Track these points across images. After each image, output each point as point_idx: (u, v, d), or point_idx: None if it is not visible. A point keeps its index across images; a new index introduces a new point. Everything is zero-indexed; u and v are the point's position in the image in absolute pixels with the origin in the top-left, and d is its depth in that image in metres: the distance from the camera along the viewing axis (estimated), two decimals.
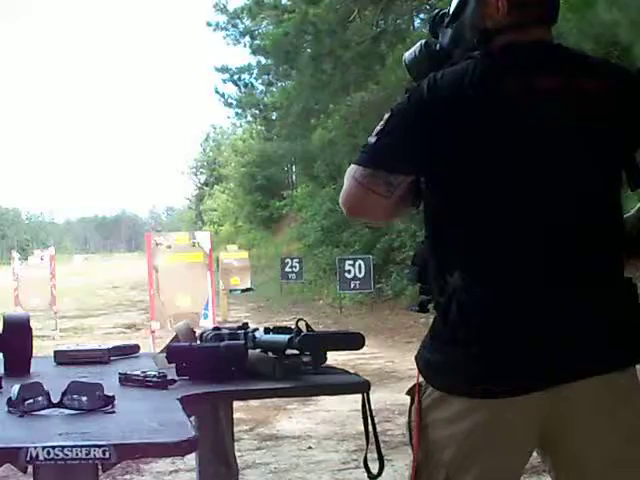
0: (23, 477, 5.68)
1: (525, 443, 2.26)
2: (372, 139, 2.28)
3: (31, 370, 2.82)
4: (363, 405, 2.54)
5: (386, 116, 2.31)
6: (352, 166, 2.30)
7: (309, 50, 23.21)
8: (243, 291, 22.42)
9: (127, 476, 5.97)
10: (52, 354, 3.10)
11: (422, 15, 22.56)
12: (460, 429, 2.19)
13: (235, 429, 3.40)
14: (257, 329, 2.76)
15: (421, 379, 2.30)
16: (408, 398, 2.33)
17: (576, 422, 2.21)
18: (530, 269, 2.18)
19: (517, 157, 2.19)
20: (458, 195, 2.24)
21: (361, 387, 2.54)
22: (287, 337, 2.55)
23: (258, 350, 2.66)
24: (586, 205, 2.23)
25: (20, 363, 2.81)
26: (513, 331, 2.16)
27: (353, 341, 2.57)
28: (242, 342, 2.67)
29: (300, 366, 2.61)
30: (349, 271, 18.48)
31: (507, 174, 2.20)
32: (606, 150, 2.26)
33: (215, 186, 59.63)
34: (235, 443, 3.39)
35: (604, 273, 2.24)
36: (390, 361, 11.24)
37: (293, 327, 2.61)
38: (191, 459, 5.35)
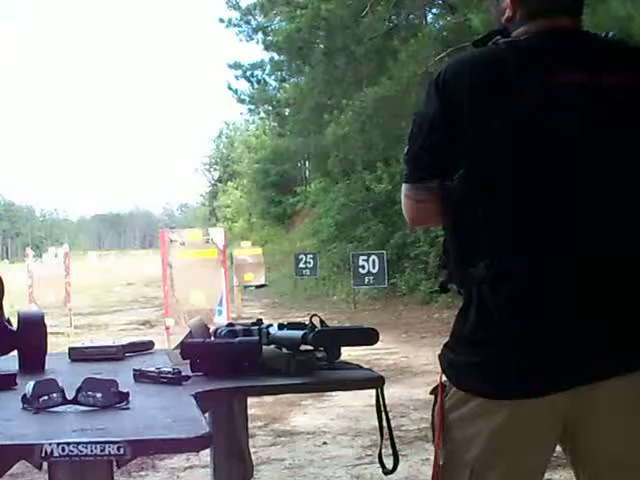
0: (38, 474, 5.71)
1: (547, 441, 2.25)
2: (405, 149, 2.35)
3: (46, 367, 2.83)
4: (377, 400, 2.54)
5: (412, 121, 2.35)
6: (403, 184, 2.39)
7: (322, 46, 23.17)
8: (257, 287, 22.48)
9: (142, 472, 5.98)
10: (66, 351, 3.10)
11: (434, 10, 22.53)
12: (483, 428, 2.19)
13: (250, 425, 3.40)
14: (271, 325, 2.76)
15: (444, 378, 2.30)
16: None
17: (596, 422, 2.20)
18: (549, 270, 2.16)
19: (533, 157, 2.18)
20: (480, 188, 2.21)
21: (375, 382, 2.53)
22: (301, 333, 2.54)
23: (272, 346, 2.66)
24: (606, 204, 2.20)
25: (35, 360, 2.82)
26: (534, 332, 2.14)
27: (367, 336, 2.57)
28: (256, 338, 2.67)
29: (314, 362, 2.60)
30: (363, 266, 18.47)
31: (520, 171, 2.19)
32: (631, 145, 2.23)
33: (228, 182, 59.82)
34: (250, 439, 3.39)
35: (626, 273, 2.21)
36: (405, 356, 11.22)
37: (307, 323, 2.61)
38: (206, 455, 5.35)
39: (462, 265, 2.26)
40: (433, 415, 2.32)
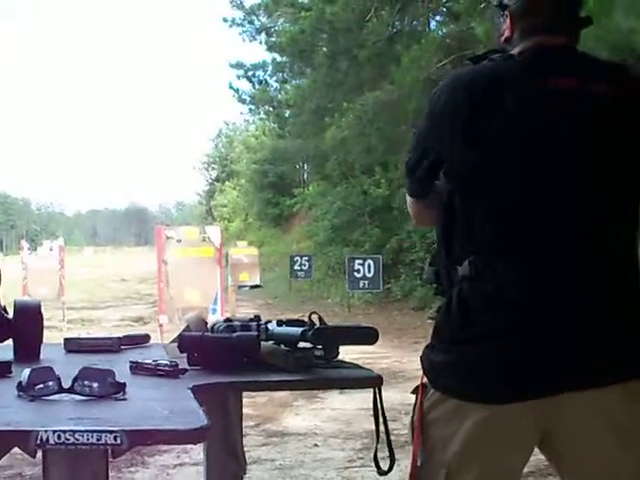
0: (27, 467, 5.66)
1: (525, 443, 2.26)
2: (407, 159, 2.44)
3: (41, 357, 2.80)
4: (374, 400, 2.52)
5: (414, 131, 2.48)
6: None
7: (324, 48, 23.21)
8: (252, 287, 22.42)
9: (132, 468, 5.97)
10: (62, 342, 3.08)
11: (438, 17, 22.55)
12: (459, 429, 2.19)
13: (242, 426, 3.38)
14: (270, 321, 2.74)
15: (425, 379, 2.31)
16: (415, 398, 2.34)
17: (574, 429, 2.20)
18: (536, 266, 2.17)
19: (524, 155, 2.21)
20: (467, 189, 2.25)
21: (373, 382, 2.52)
22: (300, 330, 2.52)
23: (270, 342, 2.64)
24: (593, 206, 2.22)
25: (30, 349, 2.80)
26: (512, 335, 2.14)
27: (367, 336, 2.55)
28: (255, 333, 2.65)
29: (312, 359, 2.59)
30: (358, 270, 18.45)
31: (513, 170, 2.21)
32: (616, 151, 2.26)
33: (226, 182, 59.79)
34: None
35: (610, 277, 2.21)
36: (397, 361, 11.23)
37: (306, 320, 2.59)
38: (197, 453, 5.33)
39: (450, 263, 2.28)
40: (413, 415, 2.33)
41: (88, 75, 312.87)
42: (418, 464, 2.29)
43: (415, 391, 2.34)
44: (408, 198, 2.49)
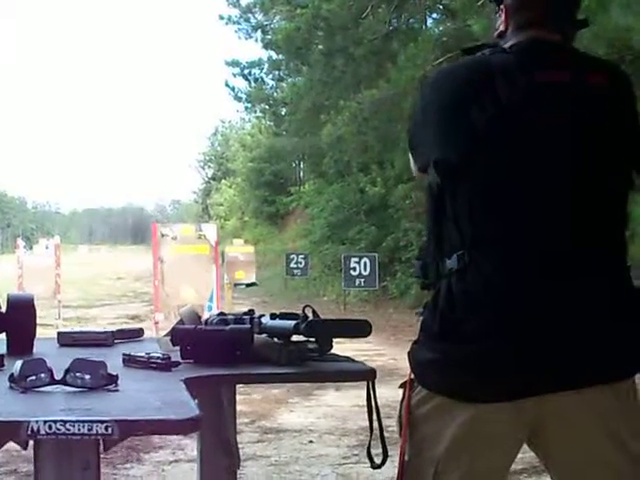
0: (22, 463, 5.64)
1: (512, 442, 2.24)
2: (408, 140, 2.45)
3: (34, 350, 2.79)
4: (368, 393, 2.51)
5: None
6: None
7: (321, 46, 23.19)
8: (247, 285, 22.44)
9: (127, 465, 5.95)
10: (55, 336, 3.07)
11: (435, 15, 22.55)
12: (447, 426, 2.18)
13: (236, 421, 3.37)
14: (263, 315, 2.74)
15: (413, 375, 2.29)
16: None
17: (562, 428, 2.18)
18: (524, 260, 2.14)
19: (514, 148, 2.19)
20: (456, 181, 2.21)
21: (367, 375, 2.51)
22: (293, 323, 2.52)
23: (264, 335, 2.63)
24: (586, 196, 2.20)
25: (23, 342, 2.79)
26: (499, 334, 2.11)
27: (359, 328, 2.54)
28: (248, 326, 2.64)
29: (305, 352, 2.58)
30: (354, 268, 18.48)
31: (502, 163, 2.19)
32: (609, 143, 2.24)
33: (222, 180, 59.81)
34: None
35: (601, 276, 2.18)
36: (393, 358, 11.22)
37: (300, 313, 2.58)
38: (192, 450, 5.32)
39: (439, 256, 2.26)
40: (400, 410, 2.32)
41: (85, 74, 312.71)
42: (406, 459, 2.28)
43: (403, 386, 2.33)
44: (416, 174, 2.44)
